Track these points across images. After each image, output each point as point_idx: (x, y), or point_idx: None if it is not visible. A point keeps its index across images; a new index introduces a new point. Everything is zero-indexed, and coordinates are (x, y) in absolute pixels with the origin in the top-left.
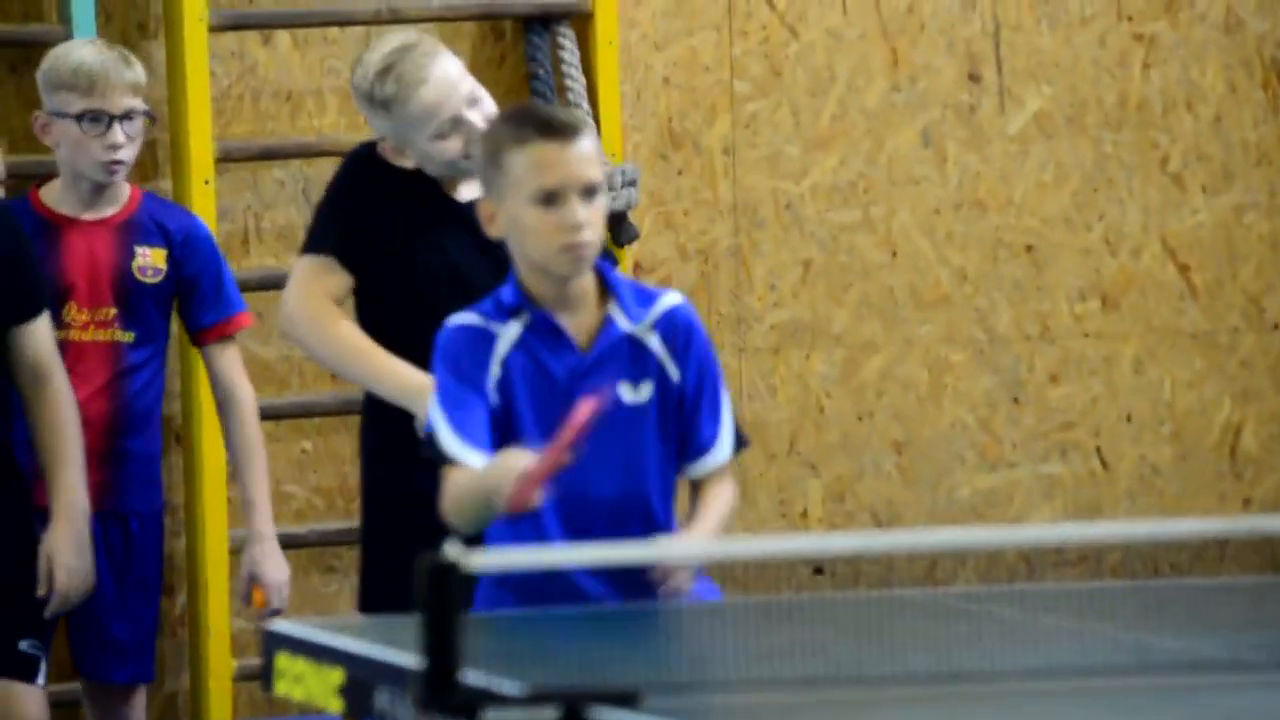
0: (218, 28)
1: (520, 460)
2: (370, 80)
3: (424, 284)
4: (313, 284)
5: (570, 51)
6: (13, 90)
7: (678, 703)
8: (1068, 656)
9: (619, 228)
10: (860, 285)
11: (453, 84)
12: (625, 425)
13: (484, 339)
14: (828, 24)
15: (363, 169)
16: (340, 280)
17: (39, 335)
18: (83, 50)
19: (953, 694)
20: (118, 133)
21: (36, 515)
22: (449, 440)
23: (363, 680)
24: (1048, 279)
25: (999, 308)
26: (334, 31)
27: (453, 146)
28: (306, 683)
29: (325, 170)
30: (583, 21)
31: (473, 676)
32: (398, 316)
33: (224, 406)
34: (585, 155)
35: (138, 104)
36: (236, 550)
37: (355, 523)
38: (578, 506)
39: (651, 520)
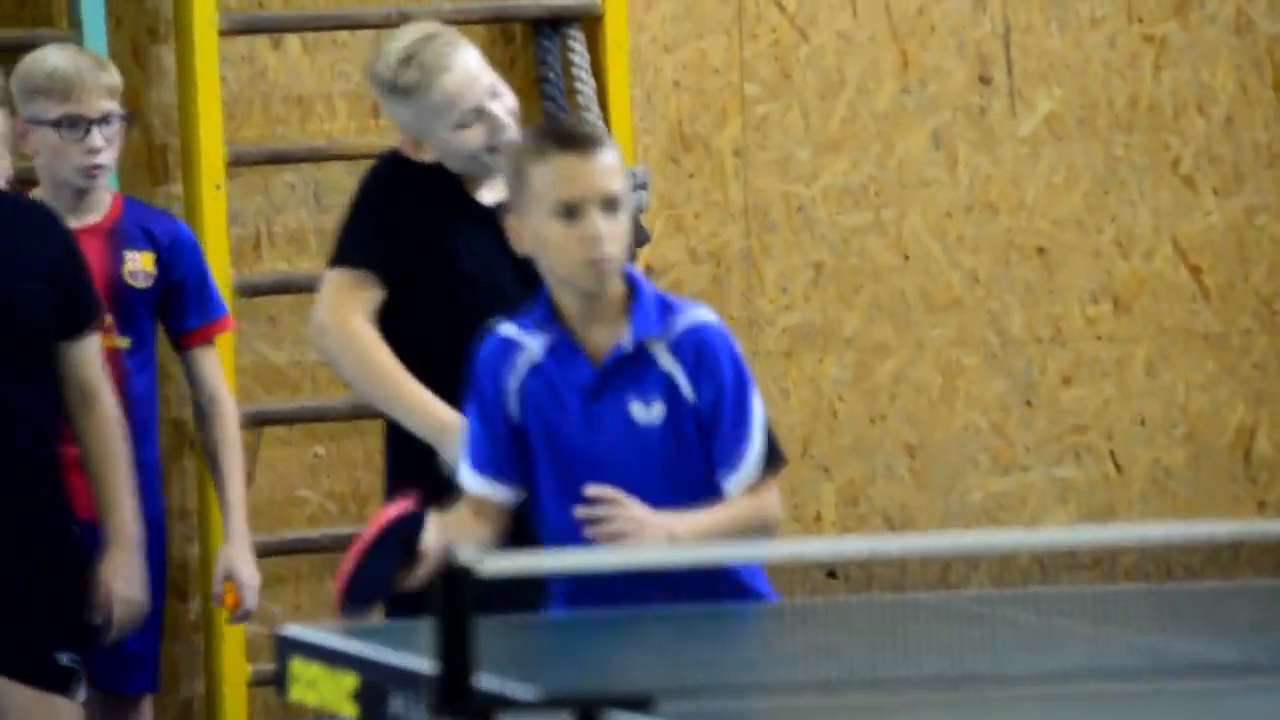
0: (228, 32)
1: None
2: (393, 68)
3: (451, 289)
4: (346, 299)
5: (580, 54)
6: None
7: (691, 707)
8: (1081, 660)
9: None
10: (871, 288)
11: (474, 74)
12: (635, 444)
13: (510, 352)
14: (838, 26)
15: (386, 179)
16: (371, 294)
17: (87, 353)
18: (57, 55)
19: (966, 698)
20: (96, 137)
21: (84, 526)
22: (463, 472)
23: (377, 685)
24: (1059, 281)
25: (1011, 310)
26: (344, 35)
27: (474, 137)
28: (321, 688)
29: (336, 174)
30: (593, 24)
31: (486, 681)
32: (423, 322)
33: (207, 410)
34: (606, 167)
35: (114, 107)
36: None
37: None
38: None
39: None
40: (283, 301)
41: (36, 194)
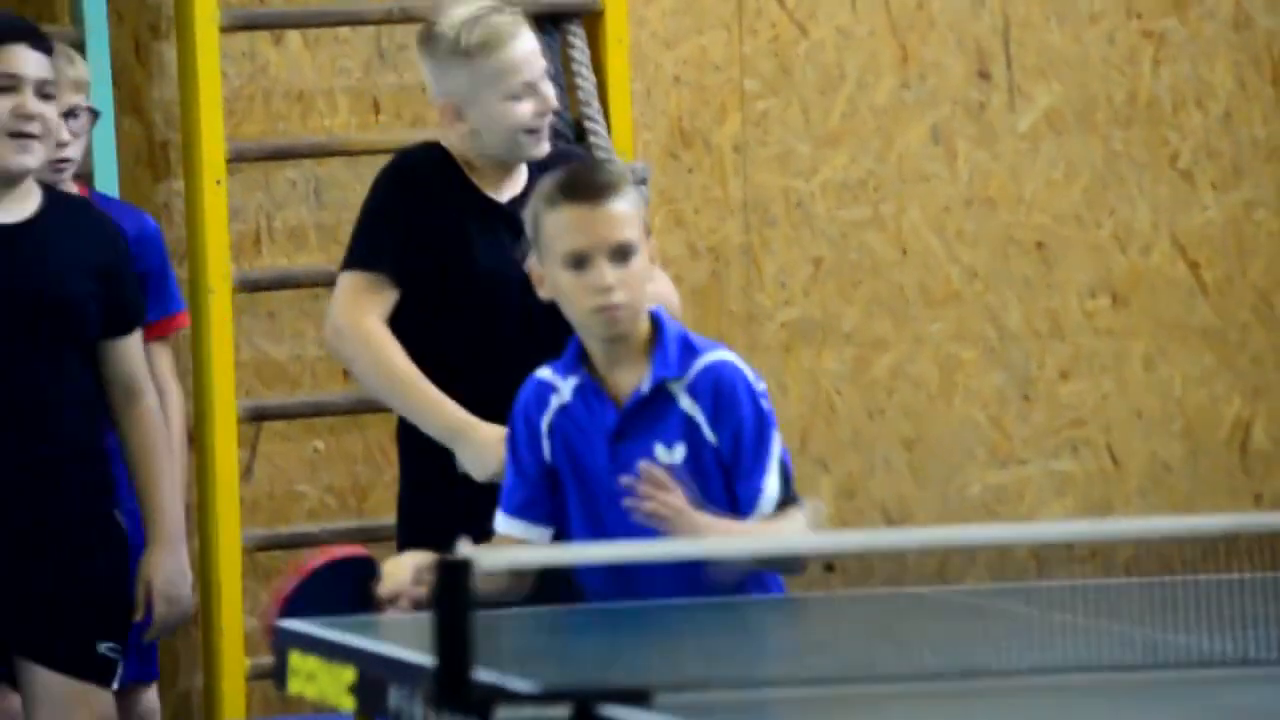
0: (229, 28)
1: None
2: (456, 27)
3: (466, 288)
4: (359, 301)
5: (580, 50)
6: None
7: (689, 700)
8: (1079, 653)
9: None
10: (871, 283)
11: (534, 51)
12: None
13: (545, 394)
14: (837, 22)
15: (399, 179)
16: (384, 296)
17: (131, 351)
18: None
19: (964, 690)
20: (63, 131)
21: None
22: (496, 513)
23: (375, 678)
24: (1058, 276)
25: (1009, 305)
26: (345, 31)
27: (523, 111)
28: (319, 681)
29: (337, 170)
30: (593, 20)
31: (485, 674)
32: (438, 321)
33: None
34: (615, 216)
35: (81, 101)
36: (250, 549)
37: (367, 522)
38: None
39: (697, 579)
40: (283, 297)
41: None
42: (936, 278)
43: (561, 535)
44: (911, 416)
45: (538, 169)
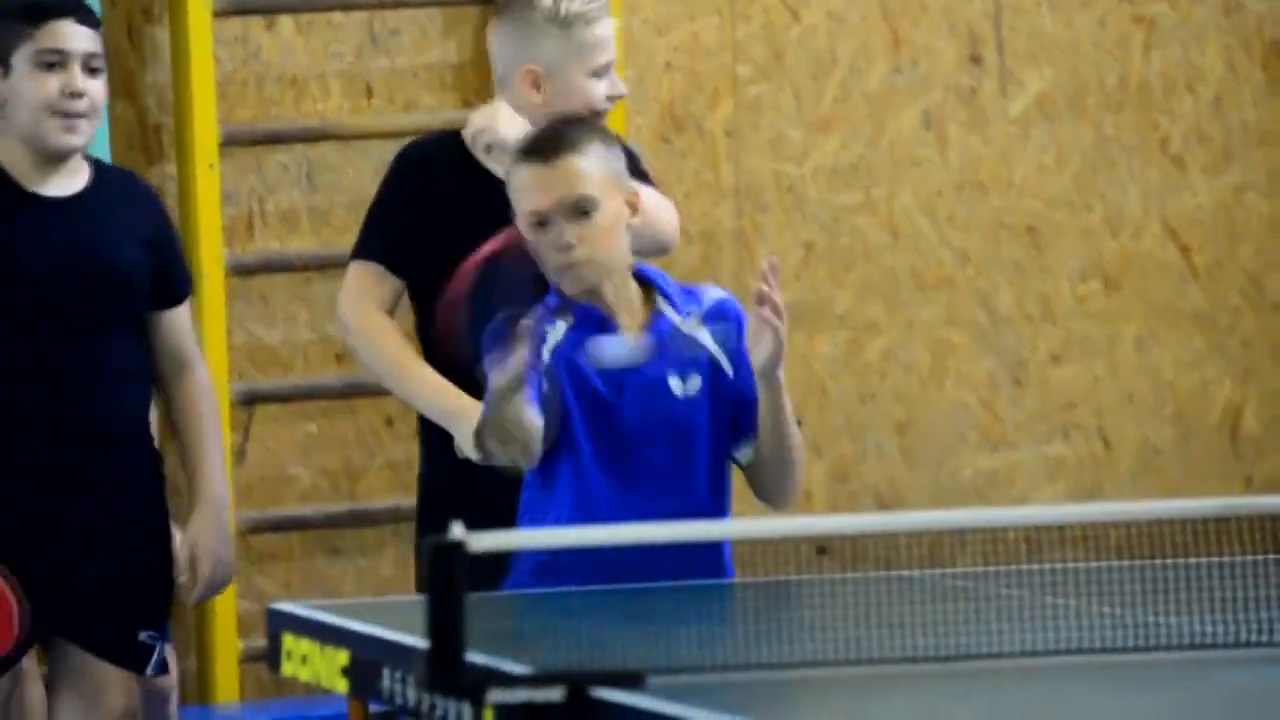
0: (221, 12)
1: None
2: None
3: None
4: (361, 292)
5: None
6: None
7: (682, 683)
8: (1070, 635)
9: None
10: (862, 267)
11: (614, 36)
12: (676, 418)
13: (539, 334)
14: (829, 7)
15: (407, 168)
16: (389, 287)
17: (181, 322)
18: None
19: (955, 673)
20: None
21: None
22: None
23: (368, 661)
24: (1049, 260)
25: (1000, 289)
26: (337, 16)
27: (600, 90)
28: (312, 663)
29: (329, 154)
30: None
31: (478, 657)
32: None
33: None
34: (571, 173)
35: None
36: (243, 532)
37: (359, 505)
38: (632, 494)
39: (700, 507)
40: (275, 280)
41: None
42: (928, 262)
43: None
44: (903, 400)
45: None
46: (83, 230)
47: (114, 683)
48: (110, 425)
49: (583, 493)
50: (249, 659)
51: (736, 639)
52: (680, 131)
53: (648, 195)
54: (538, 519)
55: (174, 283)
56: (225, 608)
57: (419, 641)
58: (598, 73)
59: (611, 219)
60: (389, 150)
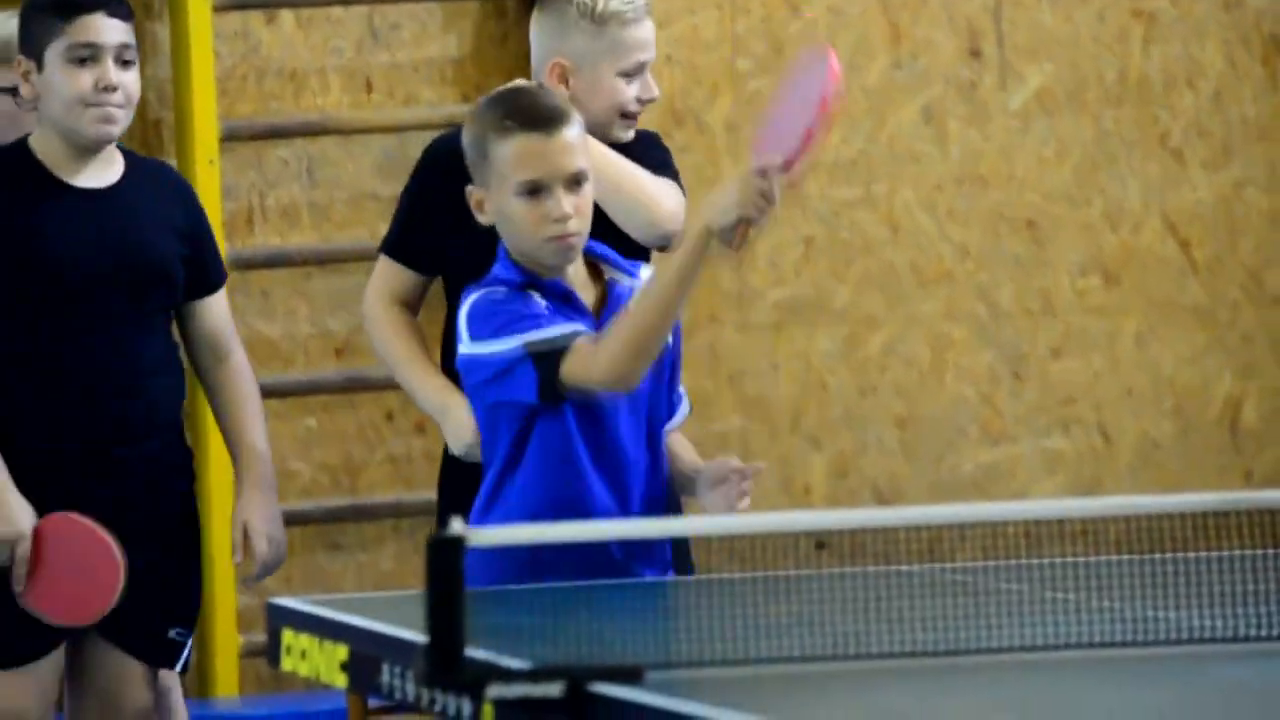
0: (221, 7)
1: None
2: None
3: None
4: (380, 284)
5: None
6: None
7: (680, 678)
8: (1070, 630)
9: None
10: (862, 262)
11: (653, 39)
12: (645, 384)
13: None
14: (829, 1)
15: (434, 163)
16: (407, 280)
17: (218, 309)
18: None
19: (955, 667)
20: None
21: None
22: (549, 336)
23: (367, 656)
24: (1049, 255)
25: (1000, 283)
26: (337, 11)
27: (629, 91)
28: (312, 658)
29: (329, 149)
30: None
31: (477, 652)
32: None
33: None
34: (569, 145)
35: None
36: None
37: (359, 500)
38: (613, 460)
39: (660, 473)
40: (276, 275)
41: None
42: (928, 256)
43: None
44: (903, 395)
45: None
46: (120, 222)
47: (136, 677)
48: (145, 420)
49: (565, 460)
50: (248, 654)
51: (735, 634)
52: (680, 125)
53: (646, 177)
54: (509, 495)
55: (209, 271)
56: (225, 602)
57: (418, 636)
58: (629, 73)
59: (591, 191)
60: (389, 145)
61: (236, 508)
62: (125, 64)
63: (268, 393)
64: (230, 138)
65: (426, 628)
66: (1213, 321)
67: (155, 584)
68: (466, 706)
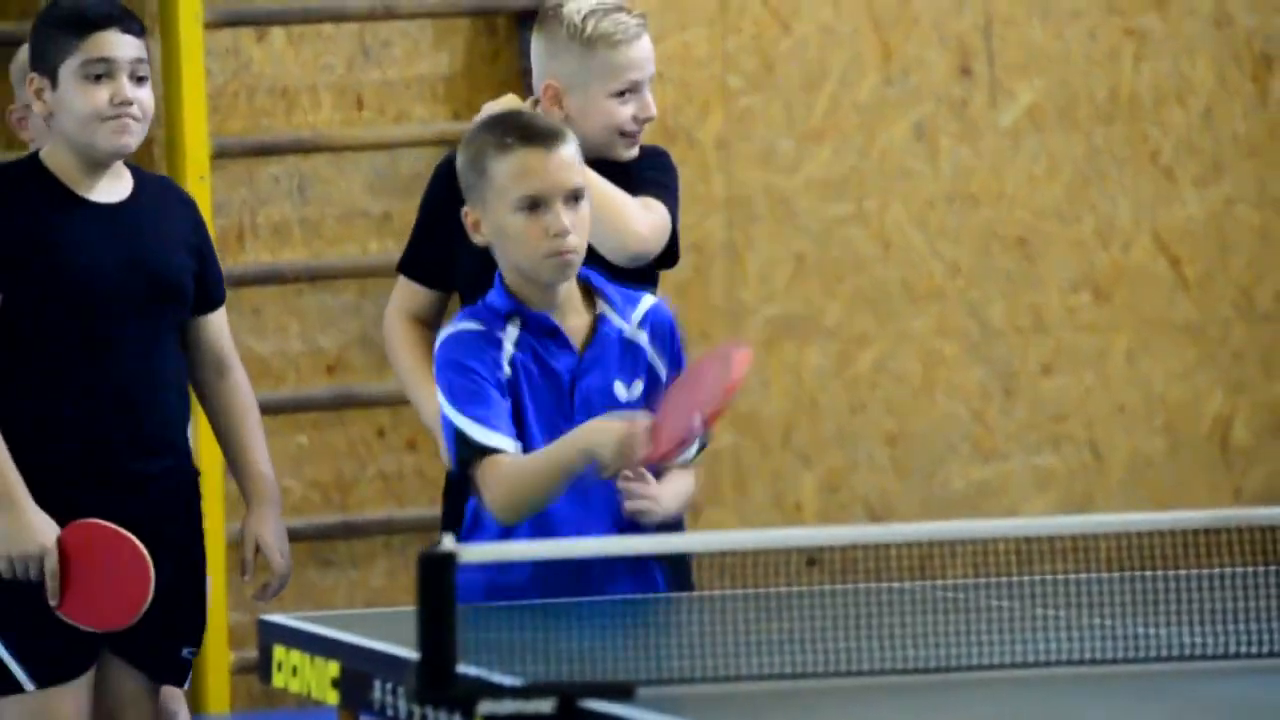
0: (213, 24)
1: (626, 421)
2: (585, 14)
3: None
4: (395, 301)
5: None
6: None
7: (671, 694)
8: (1061, 647)
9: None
10: (853, 278)
11: (649, 57)
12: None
13: (490, 342)
14: (820, 19)
15: (440, 179)
16: (419, 296)
17: (220, 325)
18: None
19: (946, 684)
20: None
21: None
22: (480, 434)
23: (359, 672)
24: (1040, 271)
25: (991, 300)
26: (328, 28)
27: (624, 112)
28: (303, 675)
29: (320, 166)
30: None
31: (468, 668)
32: None
33: None
34: (567, 161)
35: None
36: (233, 544)
37: (350, 516)
38: (579, 501)
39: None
40: (267, 292)
41: None
42: (919, 273)
43: None
44: (894, 412)
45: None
46: (136, 237)
47: (145, 696)
48: (160, 435)
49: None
50: (240, 670)
51: (726, 650)
52: (671, 142)
53: (621, 197)
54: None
55: (213, 287)
56: (216, 619)
57: (410, 653)
58: (620, 95)
59: (589, 209)
60: (380, 162)
61: (247, 524)
62: (139, 79)
63: (260, 409)
64: (221, 154)
65: (418, 644)
66: (1203, 338)
67: (170, 601)
68: None
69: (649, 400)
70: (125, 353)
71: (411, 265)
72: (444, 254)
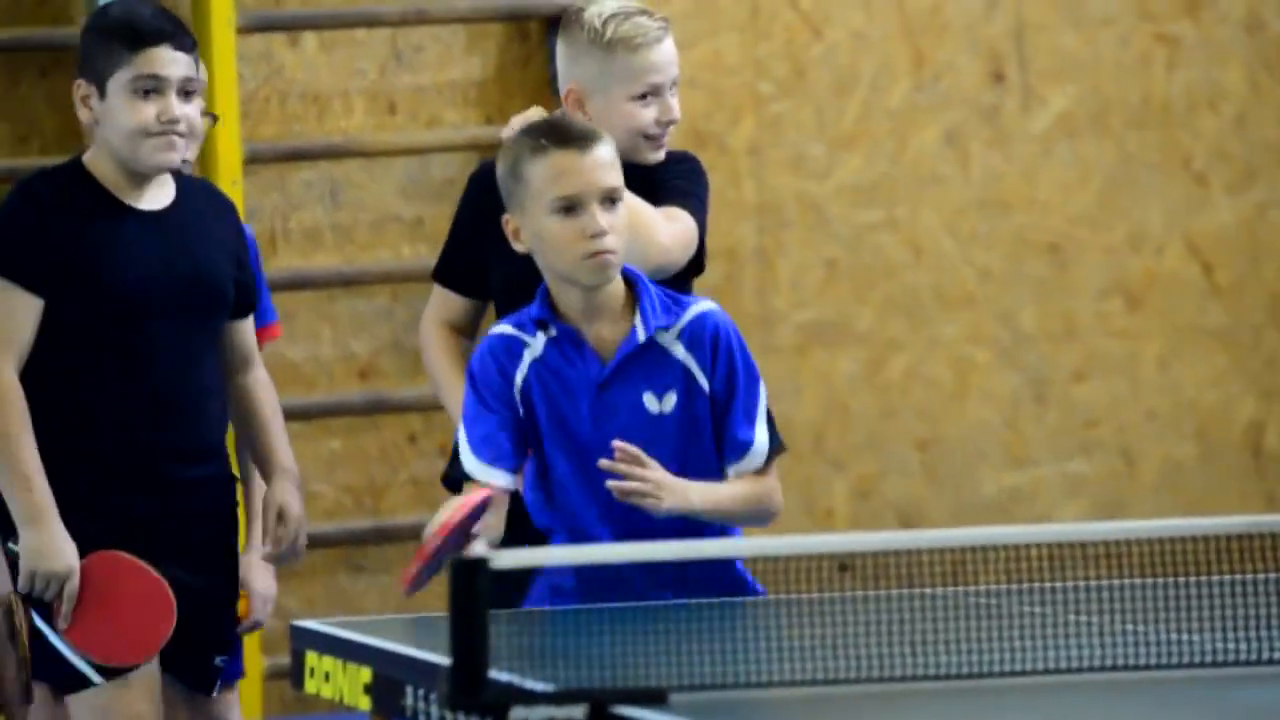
0: (245, 29)
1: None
2: (605, 18)
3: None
4: (431, 309)
5: None
6: (44, 93)
7: (704, 700)
8: (1093, 653)
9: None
10: (884, 285)
11: (671, 61)
12: (649, 435)
13: (515, 349)
14: (851, 25)
15: (474, 187)
16: (453, 303)
17: (250, 328)
18: None
19: (978, 690)
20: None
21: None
22: (466, 458)
23: (391, 678)
24: (1071, 278)
25: (1023, 306)
26: (361, 33)
27: (646, 115)
28: (335, 681)
29: (353, 171)
30: None
31: (500, 674)
32: None
33: None
34: (603, 162)
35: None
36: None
37: (382, 522)
38: (621, 515)
39: (675, 524)
40: (299, 298)
41: None
42: (950, 280)
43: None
44: (925, 418)
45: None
46: (182, 244)
47: (183, 703)
48: (204, 441)
49: (565, 512)
50: (272, 676)
51: (758, 656)
52: (702, 149)
53: (644, 208)
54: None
55: (249, 292)
56: None
57: (442, 659)
58: (642, 98)
59: (626, 213)
60: (413, 167)
61: (268, 495)
62: (187, 95)
63: (290, 415)
64: (253, 160)
65: (450, 650)
66: (1235, 345)
67: (207, 609)
68: None
69: (688, 413)
70: (169, 359)
71: (446, 273)
72: (478, 262)
